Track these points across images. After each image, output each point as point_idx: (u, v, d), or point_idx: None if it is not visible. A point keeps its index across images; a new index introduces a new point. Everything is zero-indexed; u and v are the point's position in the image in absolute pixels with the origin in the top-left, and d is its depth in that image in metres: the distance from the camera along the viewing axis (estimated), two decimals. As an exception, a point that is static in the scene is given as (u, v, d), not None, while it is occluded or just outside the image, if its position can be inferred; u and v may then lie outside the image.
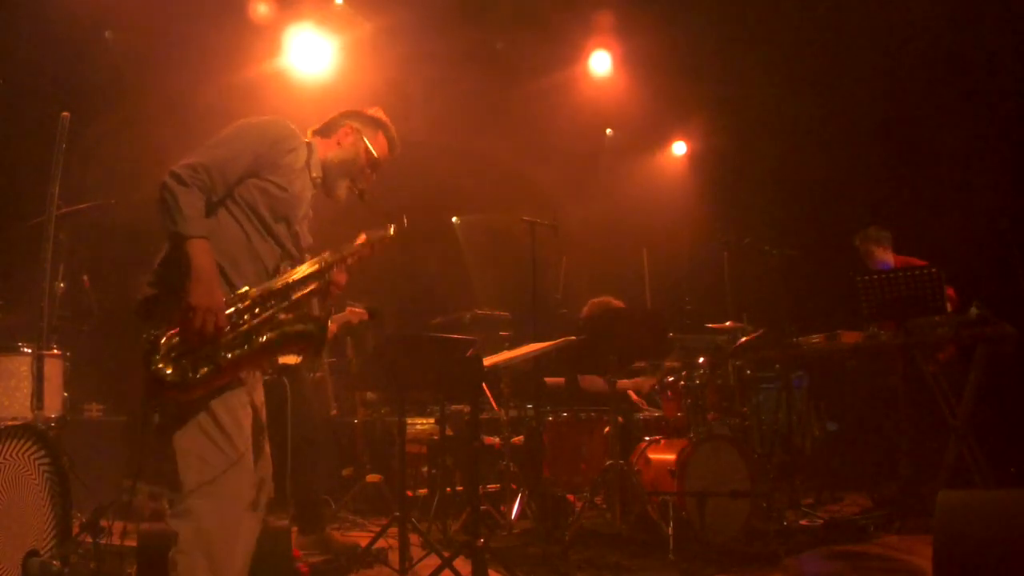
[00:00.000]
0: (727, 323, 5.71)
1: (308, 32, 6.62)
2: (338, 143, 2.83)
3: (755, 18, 7.13)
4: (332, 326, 4.94)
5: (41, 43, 5.49)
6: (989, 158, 6.72)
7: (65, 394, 4.17)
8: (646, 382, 5.66)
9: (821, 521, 4.87)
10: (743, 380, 5.37)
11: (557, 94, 7.78)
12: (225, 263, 2.51)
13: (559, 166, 7.89)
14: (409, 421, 5.63)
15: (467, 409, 4.82)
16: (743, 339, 5.18)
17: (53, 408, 3.93)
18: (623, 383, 5.35)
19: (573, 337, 4.45)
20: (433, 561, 3.60)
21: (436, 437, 5.52)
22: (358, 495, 5.49)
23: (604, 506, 4.70)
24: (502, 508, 4.95)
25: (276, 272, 2.63)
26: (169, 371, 2.31)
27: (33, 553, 2.97)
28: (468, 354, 3.84)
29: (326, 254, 2.67)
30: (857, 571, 3.94)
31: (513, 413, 5.27)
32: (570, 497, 4.94)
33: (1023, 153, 6.45)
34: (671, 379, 5.12)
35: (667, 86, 7.78)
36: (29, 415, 3.59)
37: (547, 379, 5.85)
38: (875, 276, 4.95)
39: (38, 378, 3.57)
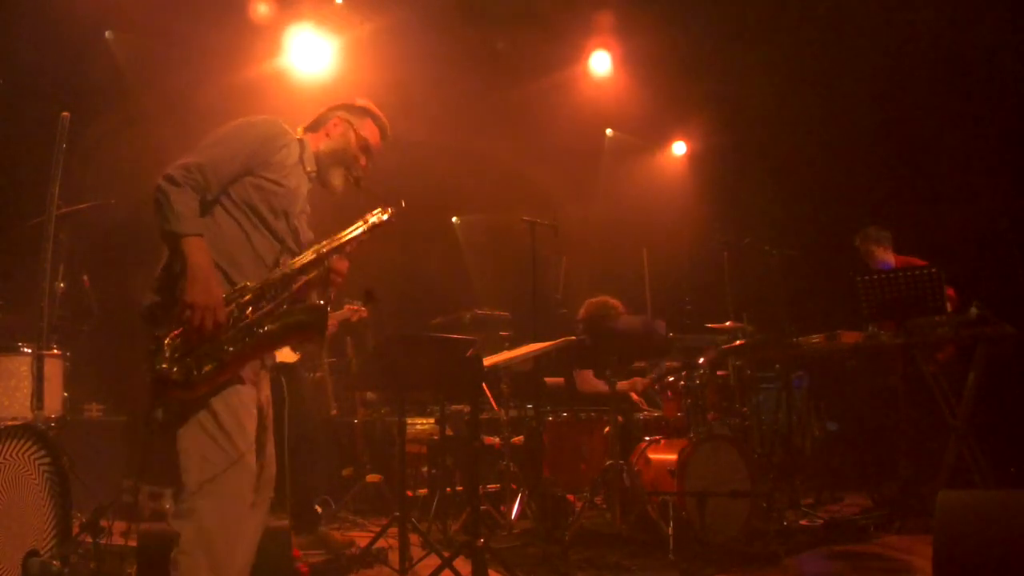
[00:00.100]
0: (727, 323, 5.71)
1: (308, 32, 6.63)
2: (327, 134, 2.86)
3: (755, 18, 7.13)
4: (332, 321, 4.94)
5: (41, 43, 5.49)
6: (989, 158, 6.72)
7: (65, 394, 4.17)
8: (641, 381, 5.66)
9: (821, 521, 4.87)
10: (743, 380, 5.37)
11: (557, 94, 7.79)
12: (226, 263, 2.52)
13: (559, 166, 7.89)
14: (409, 421, 5.63)
15: (467, 409, 4.82)
16: (736, 343, 5.20)
17: (53, 408, 3.93)
18: (620, 385, 5.35)
19: (573, 337, 4.46)
20: (433, 561, 3.60)
21: (436, 437, 5.51)
22: (358, 495, 5.49)
23: (604, 506, 4.70)
24: (502, 508, 4.95)
25: (276, 267, 2.64)
26: (174, 370, 2.33)
27: (33, 553, 2.97)
28: (468, 354, 3.83)
29: (324, 243, 2.69)
30: (857, 571, 3.94)
31: (513, 413, 5.27)
32: (570, 497, 4.94)
33: (1023, 153, 6.44)
34: (671, 379, 5.12)
35: (667, 86, 7.79)
36: (29, 415, 3.59)
37: (547, 379, 5.85)
38: (875, 276, 4.95)
39: (38, 378, 3.56)
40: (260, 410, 2.61)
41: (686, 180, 8.91)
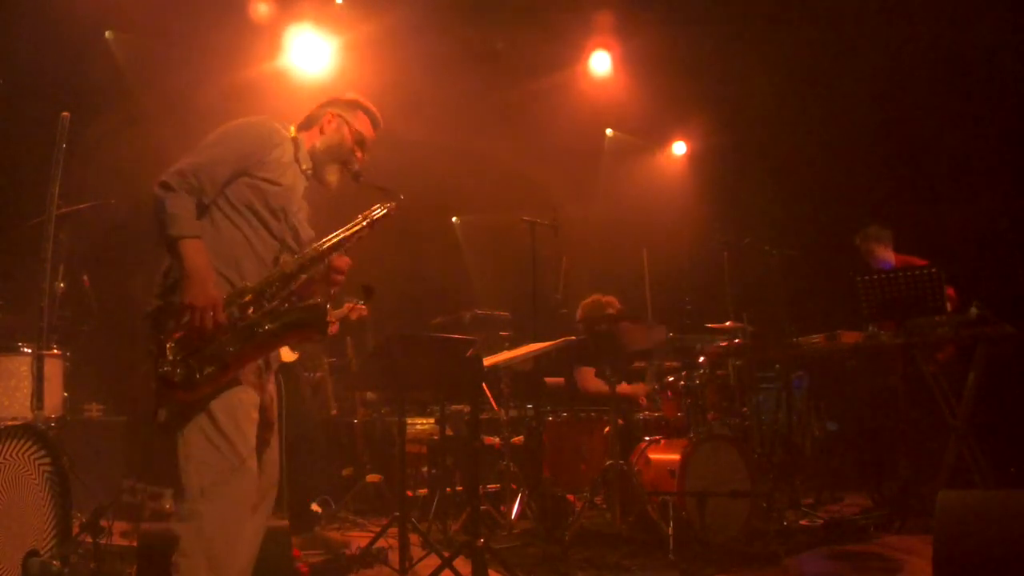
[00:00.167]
0: (727, 323, 5.70)
1: (308, 32, 6.63)
2: (321, 131, 2.85)
3: (755, 18, 7.13)
4: (334, 320, 4.93)
5: (41, 43, 5.49)
6: (989, 158, 6.72)
7: (65, 394, 4.17)
8: (646, 388, 5.67)
9: (821, 521, 4.87)
10: (743, 380, 5.37)
11: (557, 94, 7.79)
12: (229, 267, 2.53)
13: (559, 166, 7.88)
14: (409, 421, 5.62)
15: (467, 409, 4.82)
16: (736, 342, 5.20)
17: (53, 408, 3.93)
18: (623, 388, 5.35)
19: (573, 337, 4.46)
20: (433, 561, 3.60)
21: (436, 437, 5.51)
22: (358, 495, 5.49)
23: (604, 506, 4.70)
24: (502, 508, 4.95)
25: (276, 266, 2.64)
26: (177, 372, 2.33)
27: (33, 553, 2.97)
28: (468, 354, 3.84)
29: (324, 240, 2.69)
30: (857, 571, 3.94)
31: (513, 413, 5.27)
32: (570, 497, 4.94)
33: (1023, 153, 6.44)
34: (671, 379, 5.12)
35: (667, 86, 7.79)
36: (29, 415, 3.59)
37: (547, 379, 5.85)
38: (875, 276, 4.95)
39: (38, 378, 3.56)
40: (265, 409, 2.61)
41: (686, 180, 8.91)
